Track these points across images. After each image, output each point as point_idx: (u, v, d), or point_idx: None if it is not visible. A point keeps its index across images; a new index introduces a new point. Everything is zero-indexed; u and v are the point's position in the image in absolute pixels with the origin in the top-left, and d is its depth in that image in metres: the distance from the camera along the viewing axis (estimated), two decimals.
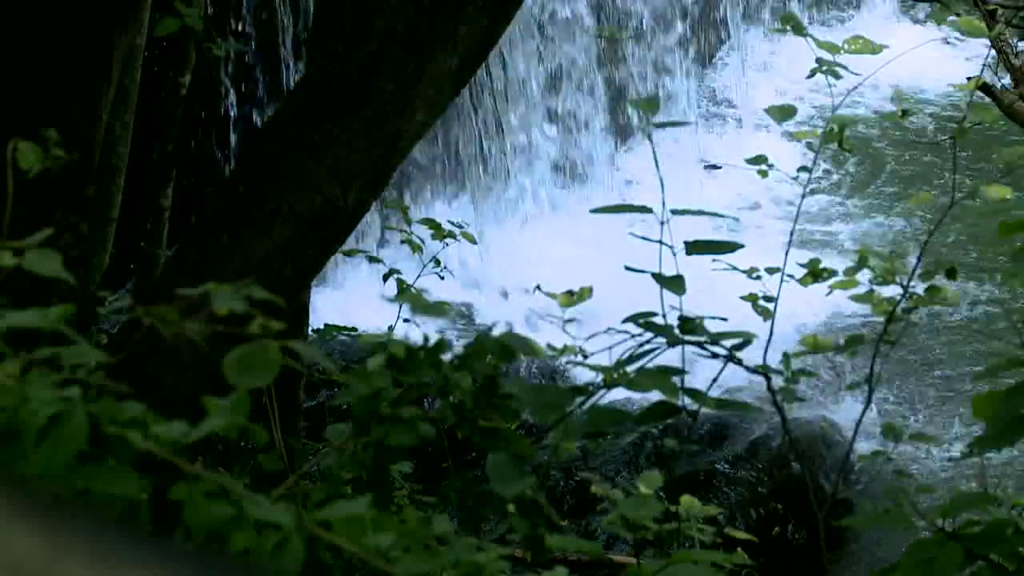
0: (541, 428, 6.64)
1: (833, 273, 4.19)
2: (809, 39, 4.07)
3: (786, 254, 3.83)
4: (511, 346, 2.55)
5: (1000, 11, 7.29)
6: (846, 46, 4.07)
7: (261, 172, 3.71)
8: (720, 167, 11.78)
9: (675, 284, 3.12)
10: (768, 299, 4.16)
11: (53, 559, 1.35)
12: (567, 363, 3.75)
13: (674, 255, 3.22)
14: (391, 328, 5.36)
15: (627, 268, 3.30)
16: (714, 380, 3.08)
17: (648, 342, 3.00)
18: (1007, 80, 7.62)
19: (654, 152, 3.51)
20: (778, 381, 3.32)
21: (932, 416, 9.53)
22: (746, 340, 3.09)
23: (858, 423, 3.69)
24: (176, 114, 5.55)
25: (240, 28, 9.54)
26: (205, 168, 9.39)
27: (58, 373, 2.26)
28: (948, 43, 12.58)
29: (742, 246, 3.35)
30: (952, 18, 5.53)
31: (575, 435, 2.86)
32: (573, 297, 3.66)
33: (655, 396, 2.89)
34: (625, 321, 3.05)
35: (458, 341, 2.63)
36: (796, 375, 3.35)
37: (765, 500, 8.28)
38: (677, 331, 3.01)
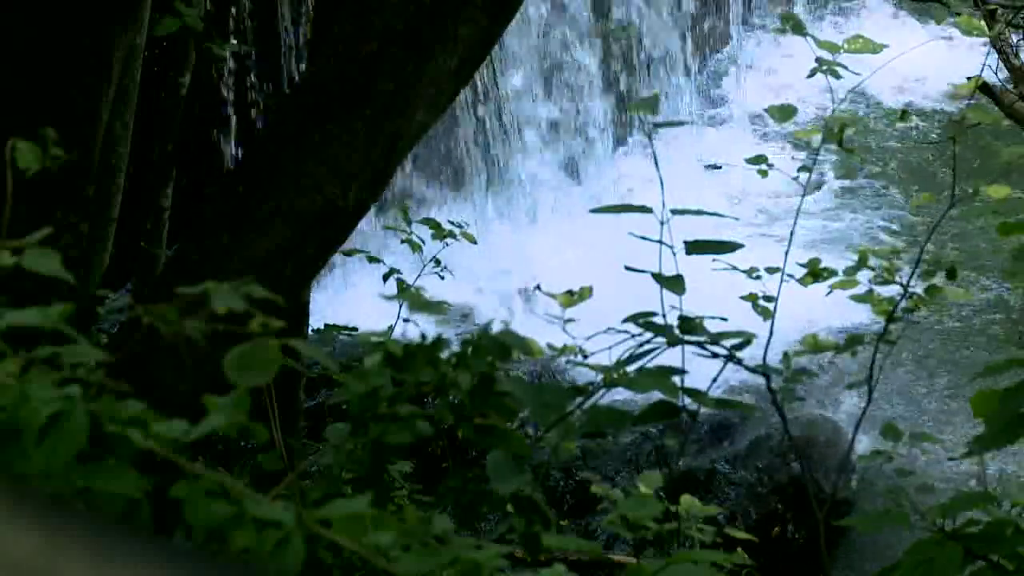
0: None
1: (833, 273, 4.19)
2: (809, 39, 4.07)
3: (786, 254, 3.83)
4: (508, 344, 2.55)
5: (1000, 11, 7.30)
6: (846, 46, 4.07)
7: (261, 172, 3.71)
8: (720, 167, 11.77)
9: (675, 284, 3.12)
10: (768, 299, 4.16)
11: (53, 559, 1.35)
12: (567, 363, 3.75)
13: (674, 255, 3.22)
14: (391, 328, 5.36)
15: (627, 268, 3.30)
16: (714, 380, 3.08)
17: (648, 342, 3.00)
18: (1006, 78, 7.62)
19: (654, 152, 3.51)
20: (778, 381, 3.32)
21: (932, 416, 9.53)
22: (746, 340, 3.09)
23: (858, 423, 3.70)
24: (176, 114, 5.55)
25: (240, 28, 9.54)
26: (205, 168, 9.39)
27: (58, 372, 2.26)
28: (950, 38, 12.57)
29: (742, 246, 3.35)
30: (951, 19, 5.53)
31: (575, 435, 2.86)
32: (573, 297, 3.66)
33: (655, 396, 2.89)
34: (625, 321, 3.04)
35: (457, 341, 2.62)
36: (796, 375, 3.35)
37: (765, 500, 8.27)
38: (677, 331, 3.01)
